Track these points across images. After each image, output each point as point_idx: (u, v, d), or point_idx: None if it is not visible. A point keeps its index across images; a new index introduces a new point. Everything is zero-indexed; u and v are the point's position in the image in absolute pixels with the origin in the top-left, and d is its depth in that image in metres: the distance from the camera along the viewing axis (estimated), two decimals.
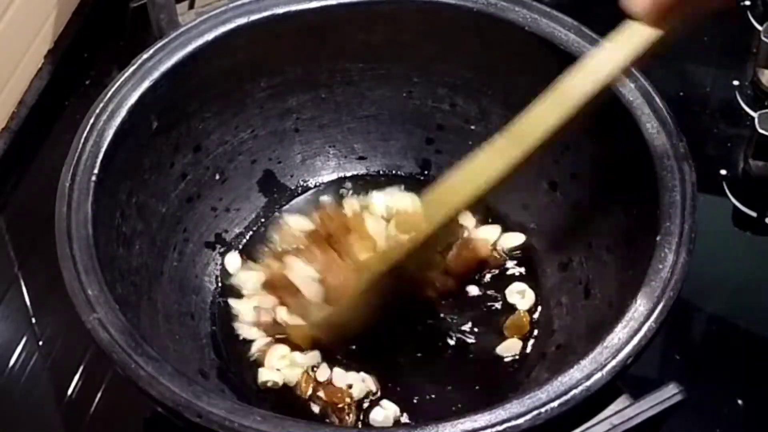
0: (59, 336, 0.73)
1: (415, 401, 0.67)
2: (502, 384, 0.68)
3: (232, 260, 0.74)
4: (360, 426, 0.66)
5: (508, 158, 0.61)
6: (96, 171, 0.63)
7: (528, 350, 0.69)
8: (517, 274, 0.73)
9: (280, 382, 0.68)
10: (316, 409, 0.67)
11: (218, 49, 0.70)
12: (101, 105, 0.66)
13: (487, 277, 0.73)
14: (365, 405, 0.67)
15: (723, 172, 0.81)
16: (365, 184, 0.79)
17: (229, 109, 0.74)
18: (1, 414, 0.70)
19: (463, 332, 0.70)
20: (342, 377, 0.68)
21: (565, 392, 0.54)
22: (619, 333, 0.56)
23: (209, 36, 0.70)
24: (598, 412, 0.55)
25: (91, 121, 0.65)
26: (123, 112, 0.66)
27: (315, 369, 0.68)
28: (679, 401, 0.55)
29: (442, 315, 0.71)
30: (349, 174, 0.79)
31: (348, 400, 0.67)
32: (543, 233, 0.74)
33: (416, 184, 0.78)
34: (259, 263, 0.73)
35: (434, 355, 0.69)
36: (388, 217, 0.73)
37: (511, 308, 0.71)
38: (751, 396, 0.69)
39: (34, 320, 0.74)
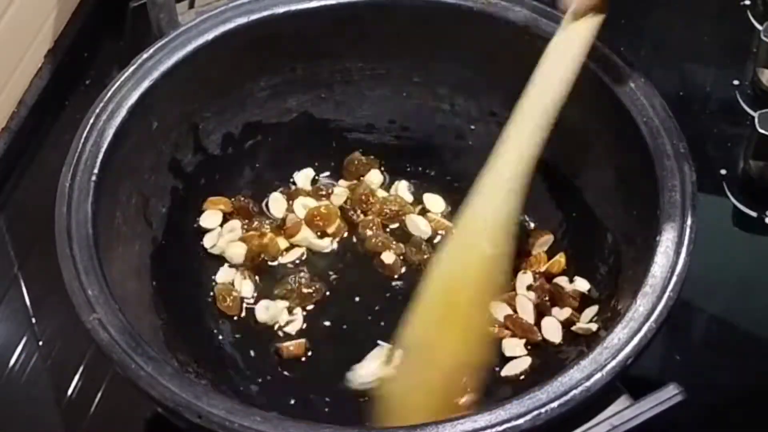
0: (59, 336, 0.73)
1: None
2: None
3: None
4: None
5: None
6: (96, 171, 0.63)
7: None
8: None
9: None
10: None
11: (218, 48, 0.70)
12: (101, 105, 0.66)
13: None
14: None
15: (723, 172, 0.81)
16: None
17: (229, 108, 0.74)
18: (1, 414, 0.70)
19: None
20: None
21: (565, 392, 0.54)
22: (619, 333, 0.56)
23: (209, 36, 0.70)
24: (599, 412, 0.55)
25: (91, 121, 0.65)
26: (123, 112, 0.66)
27: None
28: (679, 401, 0.55)
29: None
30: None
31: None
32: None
33: (416, 182, 0.78)
34: None
35: None
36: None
37: None
38: (751, 396, 0.69)
39: (34, 320, 0.74)
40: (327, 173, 0.79)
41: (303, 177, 0.78)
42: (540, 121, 0.62)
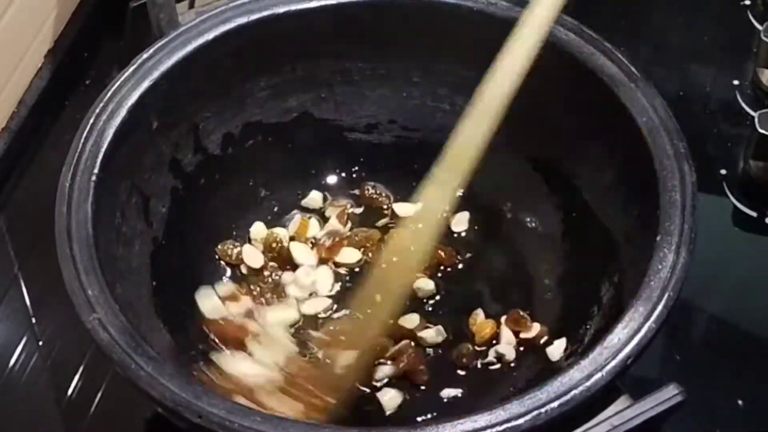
0: (59, 336, 0.73)
1: None
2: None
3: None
4: None
5: (484, 128, 0.63)
6: (96, 171, 0.63)
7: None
8: None
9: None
10: None
11: (218, 48, 0.70)
12: (101, 105, 0.66)
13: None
14: None
15: (723, 172, 0.81)
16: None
17: (229, 108, 0.74)
18: (1, 414, 0.70)
19: None
20: None
21: (565, 392, 0.54)
22: (618, 333, 0.56)
23: (209, 35, 0.70)
24: (599, 412, 0.55)
25: (91, 121, 0.65)
26: (123, 112, 0.66)
27: None
28: (679, 401, 0.55)
29: None
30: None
31: None
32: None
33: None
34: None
35: None
36: None
37: None
38: (751, 396, 0.69)
39: (34, 320, 0.74)
40: (332, 178, 0.79)
41: (294, 222, 0.77)
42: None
